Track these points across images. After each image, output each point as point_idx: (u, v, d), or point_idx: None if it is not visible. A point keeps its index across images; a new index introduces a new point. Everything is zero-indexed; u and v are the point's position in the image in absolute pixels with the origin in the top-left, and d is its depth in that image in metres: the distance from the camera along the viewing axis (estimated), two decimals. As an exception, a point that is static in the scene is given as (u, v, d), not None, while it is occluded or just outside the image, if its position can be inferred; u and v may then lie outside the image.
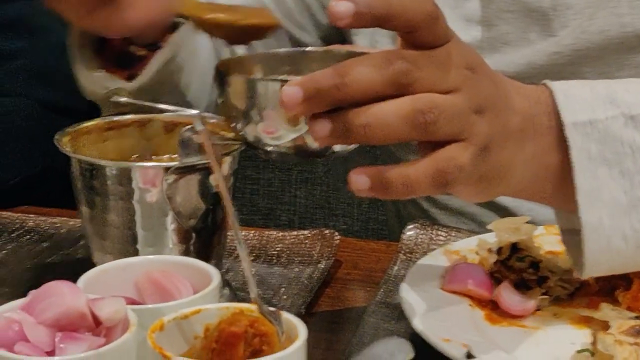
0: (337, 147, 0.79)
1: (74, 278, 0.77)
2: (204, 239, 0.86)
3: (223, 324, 0.67)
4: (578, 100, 0.82)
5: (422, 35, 0.74)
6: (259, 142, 0.77)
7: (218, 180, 0.77)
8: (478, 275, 0.91)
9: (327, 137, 0.73)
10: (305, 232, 1.06)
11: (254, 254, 1.04)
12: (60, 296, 0.69)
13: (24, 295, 0.71)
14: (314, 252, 1.03)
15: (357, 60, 0.72)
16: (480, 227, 1.12)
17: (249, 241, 1.06)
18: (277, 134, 0.76)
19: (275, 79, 0.76)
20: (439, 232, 1.07)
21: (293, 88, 0.71)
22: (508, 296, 0.89)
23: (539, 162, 0.81)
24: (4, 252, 1.03)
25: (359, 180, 0.73)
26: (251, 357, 0.65)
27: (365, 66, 0.72)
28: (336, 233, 1.05)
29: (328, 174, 1.43)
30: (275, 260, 1.03)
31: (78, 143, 0.90)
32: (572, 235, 0.84)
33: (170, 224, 0.84)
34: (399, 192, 0.74)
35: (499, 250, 0.95)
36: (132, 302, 0.78)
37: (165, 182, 0.82)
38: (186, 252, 0.85)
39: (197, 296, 0.74)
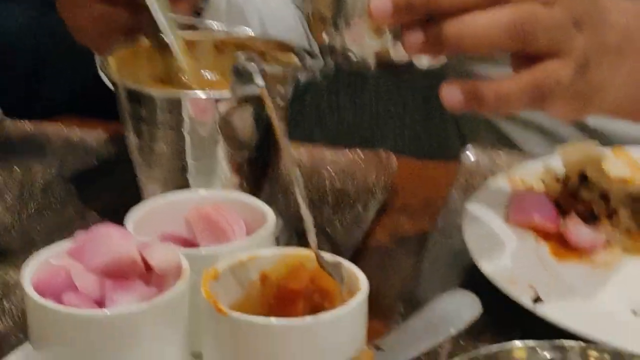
0: (423, 60, 0.76)
1: (122, 208, 0.74)
2: (256, 170, 0.82)
3: (282, 279, 0.63)
4: None
5: None
6: (342, 50, 0.74)
7: (278, 133, 0.72)
8: (544, 206, 0.87)
9: (419, 47, 0.71)
10: (361, 154, 1.02)
11: (306, 176, 0.99)
12: (109, 240, 0.65)
13: (71, 227, 0.67)
14: (369, 179, 0.99)
15: None
16: (548, 140, 1.08)
17: (300, 161, 1.02)
18: (361, 42, 0.73)
19: None
20: (501, 153, 1.01)
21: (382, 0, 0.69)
22: (576, 230, 0.85)
23: (635, 80, 0.78)
24: (49, 174, 0.99)
25: (452, 93, 0.72)
26: (311, 312, 0.61)
27: None
28: (393, 156, 1.00)
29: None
30: (328, 184, 0.98)
31: (125, 64, 0.86)
32: None
33: (222, 155, 0.80)
34: (493, 105, 0.72)
35: (566, 179, 0.90)
36: (183, 240, 0.75)
37: (217, 113, 0.77)
38: (239, 184, 0.81)
39: (252, 238, 0.71)
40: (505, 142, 1.12)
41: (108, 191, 0.95)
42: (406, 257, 0.87)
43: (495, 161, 1.00)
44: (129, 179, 0.86)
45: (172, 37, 0.85)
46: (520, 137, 1.14)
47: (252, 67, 0.75)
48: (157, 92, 0.78)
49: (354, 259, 0.83)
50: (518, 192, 0.89)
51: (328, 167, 1.01)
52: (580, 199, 0.88)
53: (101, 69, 0.81)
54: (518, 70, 0.73)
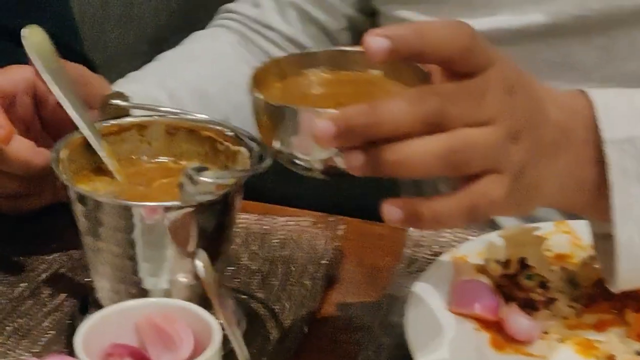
0: None
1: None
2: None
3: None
4: (617, 114, 0.81)
5: (458, 67, 0.73)
6: (288, 157, 0.76)
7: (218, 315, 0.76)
8: (485, 296, 0.89)
9: (358, 169, 0.73)
10: (310, 218, 1.04)
11: (257, 243, 1.02)
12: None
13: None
14: (318, 244, 1.01)
15: (389, 98, 0.72)
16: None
17: (250, 226, 1.04)
18: (307, 153, 0.76)
19: (310, 109, 0.74)
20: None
21: (326, 123, 0.71)
22: (514, 321, 0.87)
23: (572, 175, 0.81)
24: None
25: (392, 212, 0.74)
26: None
27: (398, 105, 0.72)
28: (341, 222, 1.03)
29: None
30: (277, 252, 1.01)
31: (76, 152, 0.87)
32: (604, 240, 0.83)
33: (172, 258, 0.81)
34: (430, 225, 0.75)
35: (507, 263, 0.93)
36: (132, 350, 0.77)
37: (166, 220, 0.79)
38: (188, 284, 0.84)
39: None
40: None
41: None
42: (351, 346, 0.90)
43: (441, 233, 1.03)
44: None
45: (95, 142, 0.88)
46: None
47: (198, 177, 0.77)
48: (108, 199, 0.79)
49: (301, 346, 0.86)
50: (460, 280, 0.92)
51: (277, 233, 1.03)
52: (519, 286, 0.91)
53: (53, 166, 0.82)
54: (456, 187, 0.75)
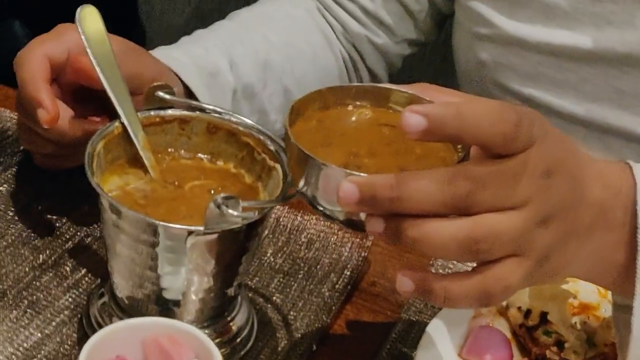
0: None
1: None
2: (219, 296, 0.85)
3: None
4: None
5: (497, 151, 0.70)
6: (312, 200, 0.75)
7: None
8: (499, 347, 0.89)
9: (378, 235, 0.71)
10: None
11: (284, 238, 1.01)
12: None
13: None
14: (344, 250, 1.00)
15: (419, 174, 0.69)
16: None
17: (281, 218, 1.03)
18: (330, 203, 0.74)
19: (336, 169, 0.72)
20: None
21: (351, 186, 0.69)
22: (523, 378, 0.88)
23: (602, 257, 0.78)
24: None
25: (404, 283, 0.72)
26: None
27: (425, 183, 0.68)
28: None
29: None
30: (302, 252, 1.00)
31: (113, 142, 0.86)
32: (624, 311, 0.81)
33: (189, 278, 0.81)
34: (440, 301, 0.72)
35: (528, 313, 0.92)
36: (136, 366, 0.78)
37: (187, 241, 0.79)
38: (199, 309, 0.85)
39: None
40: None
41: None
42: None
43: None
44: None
45: (134, 134, 0.87)
46: None
47: (226, 209, 0.76)
48: (136, 215, 0.79)
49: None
50: (477, 324, 0.91)
51: (306, 231, 1.02)
52: (536, 340, 0.90)
53: (86, 168, 0.82)
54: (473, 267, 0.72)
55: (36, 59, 0.92)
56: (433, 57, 1.90)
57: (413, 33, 1.26)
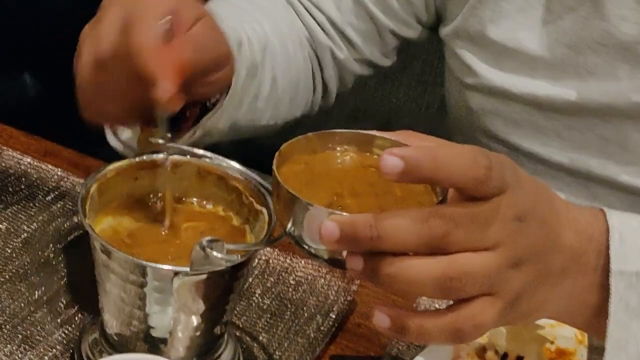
0: None
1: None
2: (206, 335, 0.88)
3: None
4: (632, 247, 0.80)
5: (470, 193, 0.73)
6: (297, 239, 0.78)
7: None
8: (475, 389, 0.92)
9: (356, 273, 0.74)
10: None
11: (273, 279, 1.05)
12: None
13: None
14: (330, 293, 1.04)
15: (396, 214, 0.72)
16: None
17: (271, 260, 1.06)
18: (314, 242, 0.77)
19: (319, 208, 0.75)
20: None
21: (332, 225, 0.73)
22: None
23: (575, 299, 0.81)
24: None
25: (380, 319, 0.75)
26: None
27: (402, 222, 0.72)
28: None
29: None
30: (290, 293, 1.03)
31: (107, 184, 0.90)
32: (598, 353, 0.84)
33: (175, 312, 0.85)
34: (414, 339, 0.76)
35: (505, 356, 0.94)
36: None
37: (174, 282, 0.82)
38: (187, 346, 0.88)
39: None
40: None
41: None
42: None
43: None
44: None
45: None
46: None
47: (211, 251, 0.80)
48: (125, 256, 0.83)
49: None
50: (454, 365, 0.94)
51: (294, 273, 1.05)
52: (511, 383, 0.93)
53: (79, 208, 0.85)
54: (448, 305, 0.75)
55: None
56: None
57: (375, 53, 1.28)
